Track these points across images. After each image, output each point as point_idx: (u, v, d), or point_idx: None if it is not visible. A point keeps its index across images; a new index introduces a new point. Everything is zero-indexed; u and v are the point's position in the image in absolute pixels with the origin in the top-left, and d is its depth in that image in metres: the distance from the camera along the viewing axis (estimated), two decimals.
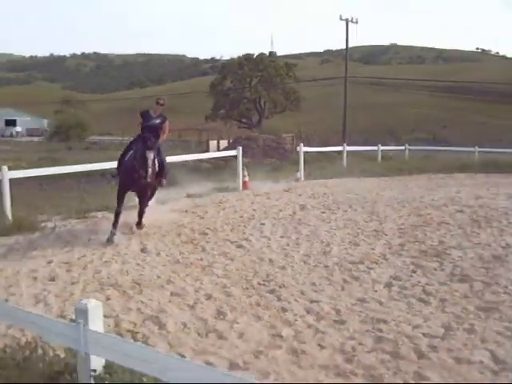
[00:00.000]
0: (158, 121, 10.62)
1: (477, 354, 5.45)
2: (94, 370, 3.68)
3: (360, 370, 5.15)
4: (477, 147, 29.81)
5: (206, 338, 5.95)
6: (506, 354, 5.40)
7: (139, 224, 11.05)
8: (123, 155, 10.81)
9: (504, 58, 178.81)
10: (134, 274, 8.33)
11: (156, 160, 10.26)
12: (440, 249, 9.72)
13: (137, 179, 10.04)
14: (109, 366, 3.74)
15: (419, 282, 7.84)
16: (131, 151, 10.44)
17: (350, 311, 6.71)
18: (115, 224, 10.29)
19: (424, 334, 5.95)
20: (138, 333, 5.57)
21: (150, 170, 9.87)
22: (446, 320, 6.39)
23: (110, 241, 10.03)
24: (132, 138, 11.36)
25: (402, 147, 32.31)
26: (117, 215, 10.33)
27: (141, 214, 10.98)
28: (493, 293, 7.33)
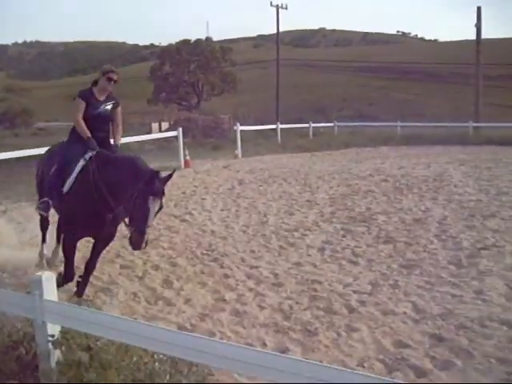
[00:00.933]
0: (109, 106, 6.23)
1: (400, 305, 5.71)
2: (52, 336, 3.70)
3: (297, 326, 5.33)
4: (399, 122, 30.32)
5: (155, 305, 6.03)
6: (425, 305, 5.68)
7: (82, 290, 6.04)
8: (49, 171, 6.25)
9: (422, 39, 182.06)
10: (84, 250, 8.19)
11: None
12: (367, 215, 10.02)
13: (106, 226, 5.93)
14: (65, 332, 3.77)
15: (349, 245, 8.09)
16: (77, 170, 5.89)
17: (287, 274, 6.89)
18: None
19: (354, 291, 6.19)
20: (91, 300, 5.59)
21: (149, 227, 5.35)
22: (373, 277, 6.65)
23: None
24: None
25: (331, 124, 32.62)
26: (68, 279, 6.01)
27: (90, 273, 6.25)
28: (414, 252, 7.65)
